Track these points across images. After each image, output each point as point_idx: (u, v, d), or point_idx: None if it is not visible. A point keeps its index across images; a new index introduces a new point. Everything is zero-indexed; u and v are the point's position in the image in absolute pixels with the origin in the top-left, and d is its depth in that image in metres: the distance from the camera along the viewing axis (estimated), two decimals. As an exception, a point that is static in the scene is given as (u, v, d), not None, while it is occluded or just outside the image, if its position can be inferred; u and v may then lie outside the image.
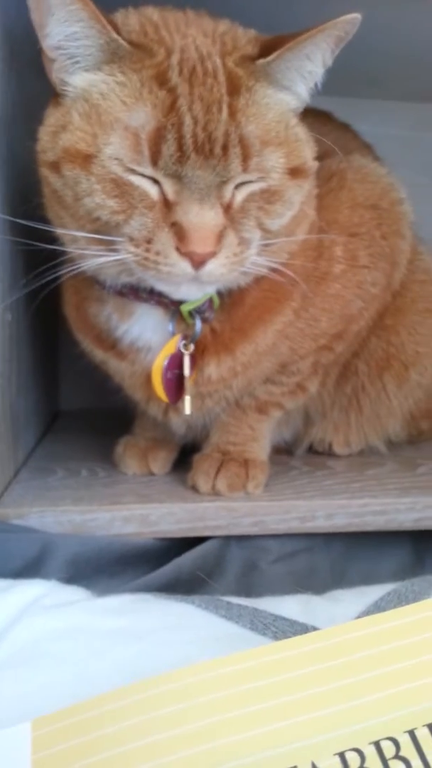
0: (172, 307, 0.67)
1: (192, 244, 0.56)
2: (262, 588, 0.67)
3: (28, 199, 0.66)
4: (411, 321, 0.83)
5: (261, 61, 0.59)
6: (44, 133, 0.60)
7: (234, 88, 0.57)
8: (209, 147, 0.55)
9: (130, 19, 0.61)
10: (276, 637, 0.51)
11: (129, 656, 0.47)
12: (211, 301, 0.67)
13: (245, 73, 0.58)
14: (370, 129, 0.94)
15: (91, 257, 0.60)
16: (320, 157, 0.77)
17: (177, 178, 0.56)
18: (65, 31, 0.56)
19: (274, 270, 0.65)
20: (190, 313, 0.67)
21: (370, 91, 1.08)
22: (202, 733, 0.36)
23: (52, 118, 0.60)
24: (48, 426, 1.07)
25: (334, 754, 0.35)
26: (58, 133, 0.58)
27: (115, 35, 0.56)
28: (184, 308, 0.66)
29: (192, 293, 0.62)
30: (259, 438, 0.79)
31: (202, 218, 0.56)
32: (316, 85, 0.63)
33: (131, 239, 0.57)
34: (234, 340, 0.69)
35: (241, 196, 0.59)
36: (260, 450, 0.79)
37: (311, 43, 0.58)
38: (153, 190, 0.57)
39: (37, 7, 0.56)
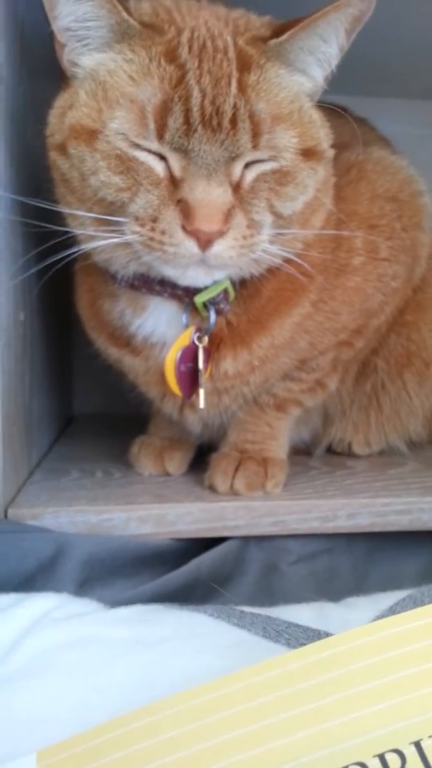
0: (186, 299, 0.66)
1: (197, 221, 0.54)
2: (282, 590, 0.65)
3: (39, 193, 0.65)
4: (432, 317, 0.81)
5: (273, 41, 0.58)
6: (52, 116, 0.60)
7: (244, 65, 0.56)
8: (217, 120, 0.54)
9: (142, 5, 0.60)
10: (289, 644, 0.49)
11: (140, 665, 0.46)
12: (226, 292, 0.65)
13: (257, 52, 0.58)
14: (384, 127, 0.92)
15: (98, 239, 0.59)
16: (338, 150, 0.76)
17: (184, 153, 0.55)
18: (75, 11, 0.56)
19: (288, 261, 0.63)
20: (205, 305, 0.66)
21: (385, 89, 1.07)
22: (204, 756, 0.35)
23: (60, 100, 0.60)
24: (62, 430, 1.06)
25: None
26: (65, 113, 0.58)
27: (125, 15, 0.56)
28: (198, 299, 0.65)
29: (200, 278, 0.60)
30: (278, 436, 0.77)
31: (208, 195, 0.54)
32: (331, 68, 0.61)
33: (136, 218, 0.56)
34: (250, 333, 0.68)
35: (251, 175, 0.57)
36: (279, 448, 0.77)
37: (324, 22, 0.57)
38: (159, 167, 0.55)
39: None
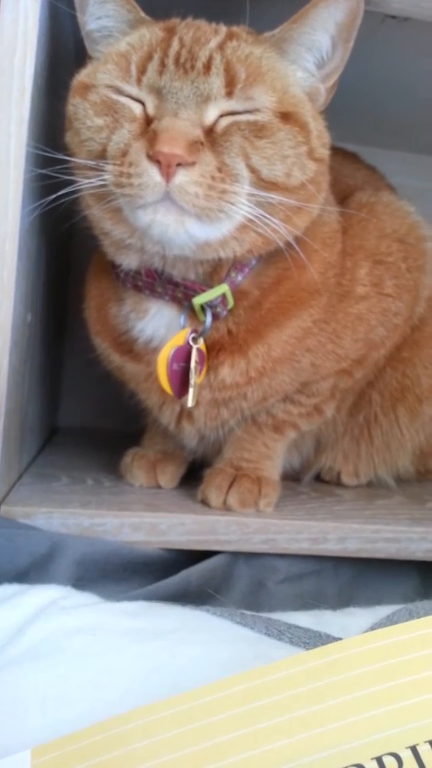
0: (185, 302, 0.68)
1: (159, 144, 0.55)
2: (268, 607, 0.65)
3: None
4: (427, 355, 0.84)
5: (267, 33, 0.63)
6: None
7: (230, 36, 0.62)
8: (191, 63, 0.59)
9: None
10: (291, 642, 0.50)
11: (148, 651, 0.46)
12: (224, 297, 0.67)
13: (247, 35, 0.63)
14: (391, 178, 0.97)
15: (81, 182, 0.61)
16: (351, 192, 0.80)
17: (158, 94, 0.59)
18: (101, 11, 0.64)
19: (288, 246, 0.64)
20: (203, 309, 0.68)
21: (393, 142, 1.12)
22: (200, 757, 0.35)
23: None
24: (47, 440, 1.05)
25: None
26: (74, 85, 0.65)
27: (143, 14, 0.64)
28: (197, 301, 0.67)
29: (171, 226, 0.58)
30: (273, 457, 0.78)
31: (173, 123, 0.57)
32: (324, 62, 0.64)
33: (112, 157, 0.59)
34: (247, 341, 0.69)
35: (225, 122, 0.60)
36: (273, 469, 0.78)
37: (314, 14, 0.62)
38: (137, 108, 0.60)
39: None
